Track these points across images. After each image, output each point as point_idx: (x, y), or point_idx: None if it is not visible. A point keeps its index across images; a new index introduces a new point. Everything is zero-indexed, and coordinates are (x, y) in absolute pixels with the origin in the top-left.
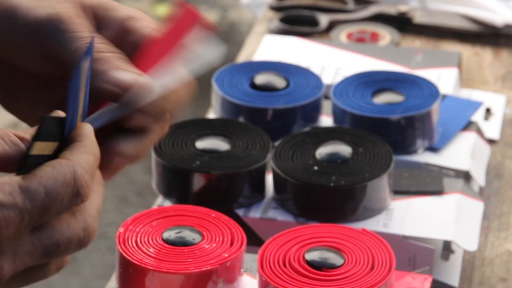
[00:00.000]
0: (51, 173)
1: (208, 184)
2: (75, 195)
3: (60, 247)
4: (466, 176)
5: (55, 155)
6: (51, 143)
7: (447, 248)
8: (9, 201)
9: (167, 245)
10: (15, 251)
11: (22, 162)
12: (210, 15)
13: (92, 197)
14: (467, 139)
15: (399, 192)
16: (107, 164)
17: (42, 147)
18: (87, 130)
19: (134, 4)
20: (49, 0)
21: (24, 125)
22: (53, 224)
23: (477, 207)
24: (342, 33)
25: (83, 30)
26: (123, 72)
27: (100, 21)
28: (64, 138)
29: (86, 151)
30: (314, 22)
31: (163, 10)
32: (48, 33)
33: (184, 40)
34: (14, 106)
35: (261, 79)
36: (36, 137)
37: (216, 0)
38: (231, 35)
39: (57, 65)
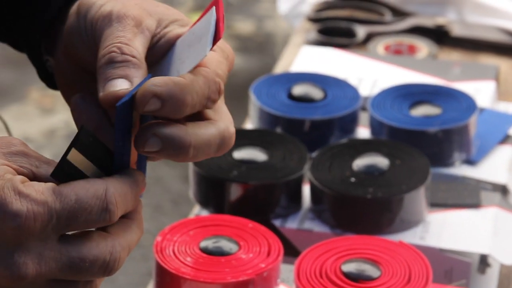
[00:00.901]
0: (84, 184)
1: (245, 194)
2: (104, 210)
3: (85, 263)
4: (503, 190)
5: None
6: (87, 161)
7: (483, 261)
8: (40, 198)
9: (204, 255)
10: (41, 253)
11: (57, 165)
12: (246, 26)
13: (128, 232)
14: (505, 152)
15: (436, 204)
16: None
17: (78, 159)
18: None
19: None
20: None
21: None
22: (83, 240)
23: None
24: (379, 45)
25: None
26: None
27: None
28: (111, 170)
29: (123, 180)
30: (351, 34)
31: None
32: (101, 31)
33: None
34: (70, 96)
35: (298, 90)
36: (73, 143)
37: (252, 10)
38: (267, 46)
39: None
